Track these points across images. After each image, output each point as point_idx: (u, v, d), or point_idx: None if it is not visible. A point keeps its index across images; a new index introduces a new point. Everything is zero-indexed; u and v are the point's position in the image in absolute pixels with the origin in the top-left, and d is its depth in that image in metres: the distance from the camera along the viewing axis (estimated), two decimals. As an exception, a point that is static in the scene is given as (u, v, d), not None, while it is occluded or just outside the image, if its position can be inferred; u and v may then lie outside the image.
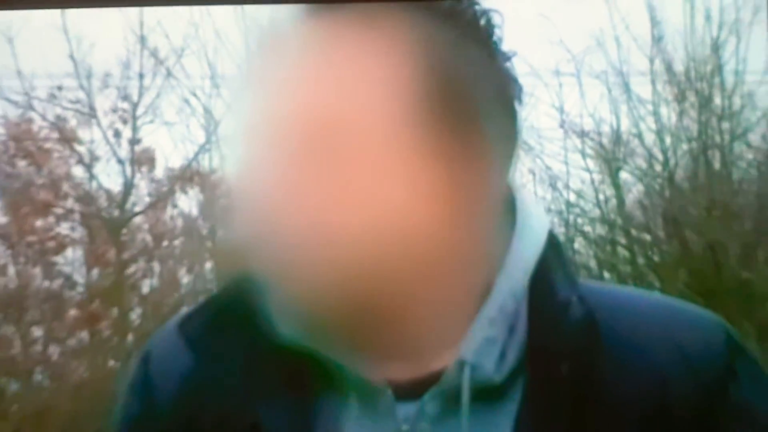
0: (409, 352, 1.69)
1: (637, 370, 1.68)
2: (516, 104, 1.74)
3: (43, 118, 11.18)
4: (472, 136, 1.69)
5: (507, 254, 1.70)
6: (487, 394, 1.63)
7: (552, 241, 1.72)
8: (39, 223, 11.22)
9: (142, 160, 11.11)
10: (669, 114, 9.97)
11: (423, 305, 1.68)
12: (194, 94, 10.66)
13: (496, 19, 1.72)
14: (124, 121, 11.03)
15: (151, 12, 10.66)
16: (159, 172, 11.01)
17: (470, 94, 1.71)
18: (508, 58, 1.73)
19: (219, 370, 1.76)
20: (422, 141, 1.67)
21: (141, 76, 10.95)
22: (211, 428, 1.74)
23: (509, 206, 1.75)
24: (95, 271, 11.21)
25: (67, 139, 11.17)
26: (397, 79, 1.69)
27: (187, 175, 10.80)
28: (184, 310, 1.86)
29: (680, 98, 10.00)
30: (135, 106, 11.02)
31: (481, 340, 1.65)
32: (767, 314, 8.49)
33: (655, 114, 10.01)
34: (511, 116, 1.74)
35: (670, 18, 9.98)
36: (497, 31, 1.72)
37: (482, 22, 1.73)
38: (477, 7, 1.73)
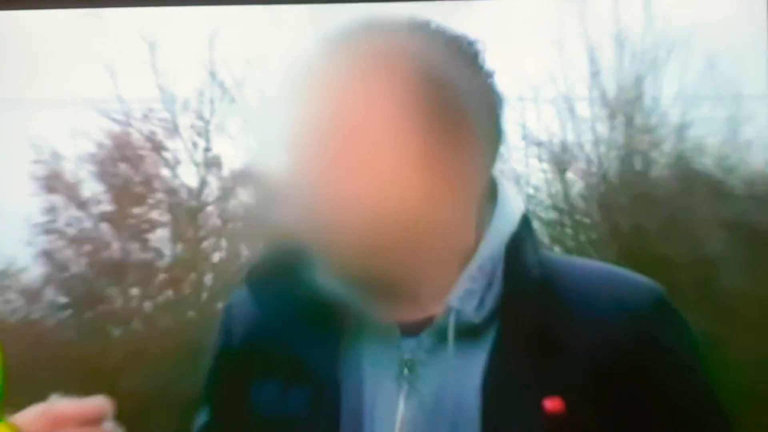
0: (412, 300, 1.70)
1: (586, 318, 1.66)
2: (498, 110, 1.74)
3: (139, 132, 11.18)
4: (463, 135, 1.69)
5: (488, 228, 1.71)
6: (468, 333, 1.64)
7: (525, 220, 1.72)
8: (136, 210, 11.21)
9: (213, 163, 11.09)
10: (603, 129, 9.98)
11: (422, 265, 1.69)
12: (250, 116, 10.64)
13: (480, 47, 1.74)
14: (199, 134, 11.02)
15: (219, 53, 10.61)
16: (225, 173, 11.03)
17: (462, 101, 1.70)
18: (491, 75, 1.73)
19: (273, 315, 1.77)
20: (425, 139, 1.67)
21: (212, 101, 10.94)
22: (265, 359, 1.75)
23: (493, 192, 1.75)
24: (178, 246, 11.19)
25: (157, 148, 11.16)
26: (405, 92, 1.68)
27: (245, 175, 10.80)
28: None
29: (611, 117, 10.03)
30: (207, 123, 11.02)
31: (464, 291, 1.66)
32: (679, 280, 8.50)
33: (593, 129, 10.04)
34: (495, 119, 1.73)
35: (604, 57, 9.93)
36: (481, 55, 1.74)
37: (471, 48, 1.74)
38: (467, 38, 1.74)
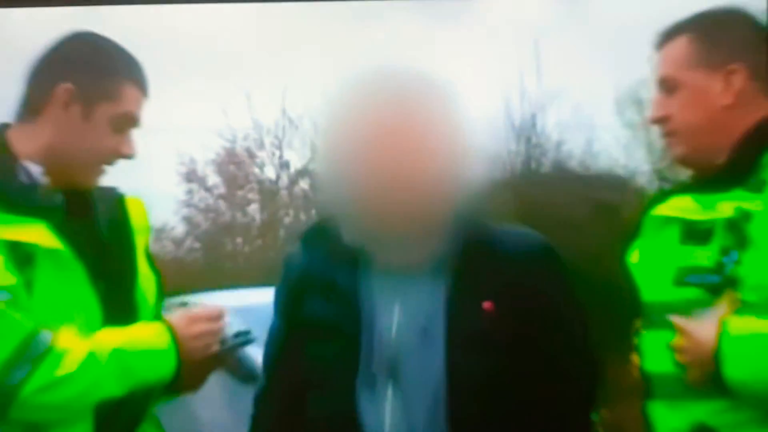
0: (408, 249, 1.60)
1: (505, 257, 1.61)
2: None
3: (241, 147, 11.10)
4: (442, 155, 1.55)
5: None
6: (437, 267, 1.58)
7: None
8: (239, 192, 11.12)
9: (284, 165, 10.97)
10: (513, 145, 9.92)
11: (413, 230, 1.57)
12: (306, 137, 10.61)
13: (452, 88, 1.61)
14: (276, 148, 10.92)
15: (288, 99, 10.49)
16: (291, 171, 10.96)
17: (438, 122, 1.58)
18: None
19: (317, 259, 1.67)
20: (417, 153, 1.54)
21: (284, 128, 10.80)
22: (312, 286, 1.66)
23: None
24: (264, 214, 11.05)
25: (251, 156, 11.04)
26: (408, 116, 1.55)
27: (304, 172, 10.75)
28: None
29: (518, 138, 9.94)
30: (280, 141, 10.90)
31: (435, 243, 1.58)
32: (557, 231, 8.49)
33: (506, 144, 9.85)
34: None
35: (514, 102, 9.88)
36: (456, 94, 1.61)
37: (448, 88, 1.60)
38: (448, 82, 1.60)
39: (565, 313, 1.65)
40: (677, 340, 1.55)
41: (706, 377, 1.50)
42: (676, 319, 1.55)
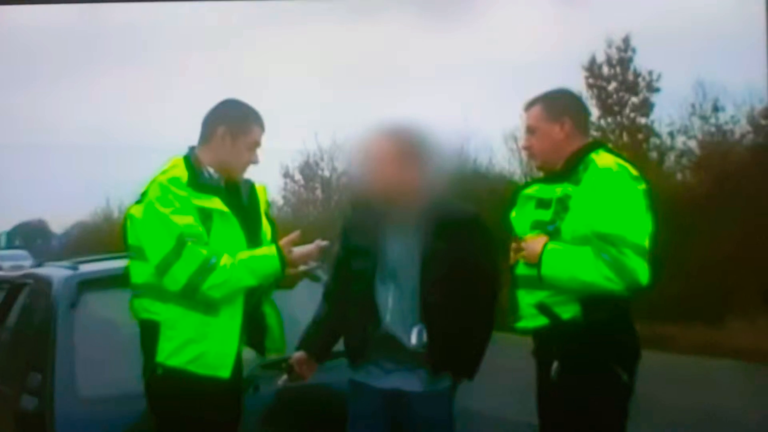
0: (399, 214, 1.54)
1: (453, 222, 1.54)
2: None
3: (311, 159, 10.89)
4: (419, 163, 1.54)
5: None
6: (414, 228, 1.53)
7: None
8: (310, 183, 10.82)
9: (334, 168, 10.69)
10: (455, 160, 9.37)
11: (407, 204, 1.53)
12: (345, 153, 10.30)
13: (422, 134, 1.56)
14: (330, 159, 10.65)
15: (336, 134, 10.01)
16: (338, 171, 10.70)
17: (414, 152, 1.55)
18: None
19: (356, 215, 1.64)
20: (403, 165, 1.53)
21: (331, 150, 10.58)
22: (354, 230, 1.60)
23: None
24: (323, 195, 10.90)
25: (317, 163, 10.86)
26: (396, 149, 1.53)
27: (344, 173, 10.48)
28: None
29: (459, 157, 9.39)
30: (332, 155, 10.65)
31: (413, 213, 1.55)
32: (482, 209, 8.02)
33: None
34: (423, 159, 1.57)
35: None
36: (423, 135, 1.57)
37: (419, 133, 1.55)
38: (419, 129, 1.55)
39: (484, 246, 1.60)
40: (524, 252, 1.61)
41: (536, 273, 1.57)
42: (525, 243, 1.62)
